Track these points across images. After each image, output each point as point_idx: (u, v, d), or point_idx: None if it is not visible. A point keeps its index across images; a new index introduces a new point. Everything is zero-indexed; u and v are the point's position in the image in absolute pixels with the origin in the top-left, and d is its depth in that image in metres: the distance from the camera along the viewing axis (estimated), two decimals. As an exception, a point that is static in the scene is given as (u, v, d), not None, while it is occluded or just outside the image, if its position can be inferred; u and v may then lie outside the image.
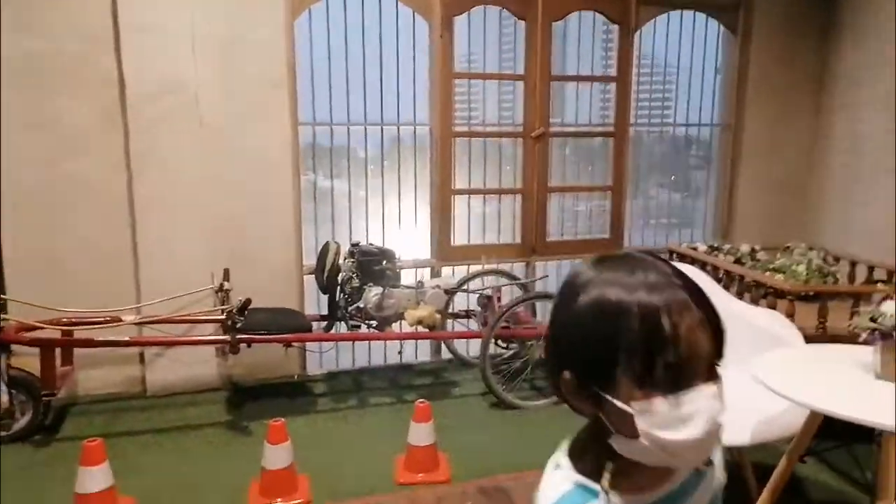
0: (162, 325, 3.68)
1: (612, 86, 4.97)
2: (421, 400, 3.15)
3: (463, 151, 4.81)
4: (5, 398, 3.34)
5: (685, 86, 5.35)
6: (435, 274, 4.73)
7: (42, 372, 3.38)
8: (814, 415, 2.25)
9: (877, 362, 2.17)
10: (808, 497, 2.92)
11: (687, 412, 0.75)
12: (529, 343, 4.01)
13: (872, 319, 2.16)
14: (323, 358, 4.41)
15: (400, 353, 4.25)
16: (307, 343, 4.08)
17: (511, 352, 4.32)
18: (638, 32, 4.92)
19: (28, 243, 3.76)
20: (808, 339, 2.78)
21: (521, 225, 4.94)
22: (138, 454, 3.30)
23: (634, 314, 0.75)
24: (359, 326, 4.01)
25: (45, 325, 3.46)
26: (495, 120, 5.08)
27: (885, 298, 2.21)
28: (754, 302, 3.52)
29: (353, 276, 3.95)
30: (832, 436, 2.63)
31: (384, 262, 4.01)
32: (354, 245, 4.12)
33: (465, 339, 4.46)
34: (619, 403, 0.76)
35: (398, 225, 4.75)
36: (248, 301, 3.49)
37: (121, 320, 3.64)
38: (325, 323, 4.07)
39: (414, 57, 4.57)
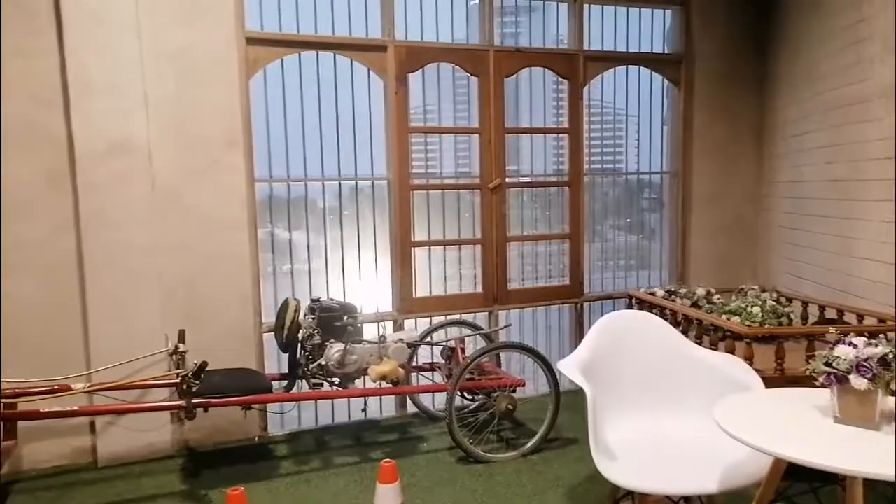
0: (114, 391, 3.53)
1: (566, 136, 5.11)
2: (386, 460, 3.07)
3: (422, 202, 4.85)
4: (-59, 479, 3.14)
5: (634, 135, 5.54)
6: (398, 327, 4.69)
7: (-18, 448, 3.19)
8: (778, 460, 2.27)
9: (835, 406, 2.21)
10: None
11: None
12: (495, 394, 3.97)
13: (827, 364, 2.20)
14: (284, 418, 4.29)
15: (364, 409, 4.16)
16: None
17: (477, 403, 4.28)
18: (587, 86, 5.10)
19: (-31, 310, 3.60)
20: (767, 382, 2.81)
21: (482, 274, 4.96)
22: (88, 533, 3.12)
23: None
24: (321, 384, 3.92)
25: (-13, 398, 3.28)
26: (453, 171, 5.15)
27: (837, 342, 2.26)
28: (713, 345, 3.58)
29: (314, 332, 3.88)
30: (799, 478, 2.65)
31: (345, 317, 3.96)
32: (315, 301, 4.06)
33: (430, 393, 4.39)
34: None
35: (359, 277, 4.71)
36: (205, 364, 3.38)
37: (70, 388, 3.47)
38: (287, 382, 3.97)
39: (370, 112, 4.62)
